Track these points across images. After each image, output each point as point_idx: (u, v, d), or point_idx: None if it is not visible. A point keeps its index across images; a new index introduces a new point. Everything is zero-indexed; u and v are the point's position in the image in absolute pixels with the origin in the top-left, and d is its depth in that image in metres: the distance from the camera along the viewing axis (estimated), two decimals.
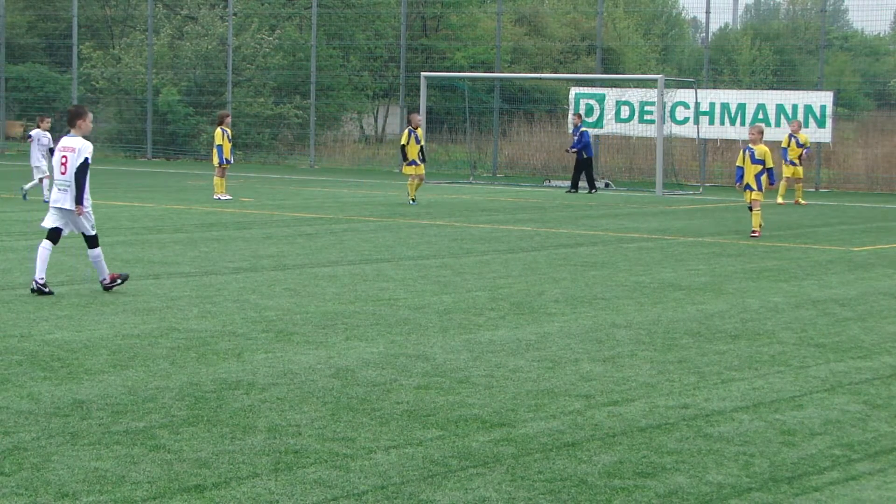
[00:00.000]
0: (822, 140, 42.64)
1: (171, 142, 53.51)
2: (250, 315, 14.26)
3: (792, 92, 43.82)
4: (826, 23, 48.64)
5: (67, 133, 15.88)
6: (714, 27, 55.63)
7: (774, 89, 47.41)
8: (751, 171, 24.99)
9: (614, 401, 10.44)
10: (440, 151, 49.47)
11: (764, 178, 24.99)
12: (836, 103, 43.70)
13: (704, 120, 43.51)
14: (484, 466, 8.47)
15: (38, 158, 30.67)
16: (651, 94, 43.57)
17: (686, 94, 43.95)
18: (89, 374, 10.95)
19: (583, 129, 40.60)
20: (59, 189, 15.76)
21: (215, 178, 32.63)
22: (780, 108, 42.69)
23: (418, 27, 57.70)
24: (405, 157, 32.71)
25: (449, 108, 53.26)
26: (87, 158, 15.57)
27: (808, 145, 36.17)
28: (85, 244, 15.92)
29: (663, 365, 11.99)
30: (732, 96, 44.25)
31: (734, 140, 43.93)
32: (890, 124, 48.27)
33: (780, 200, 35.45)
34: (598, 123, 45.35)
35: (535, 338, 13.25)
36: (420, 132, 33.01)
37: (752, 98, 43.86)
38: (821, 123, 41.85)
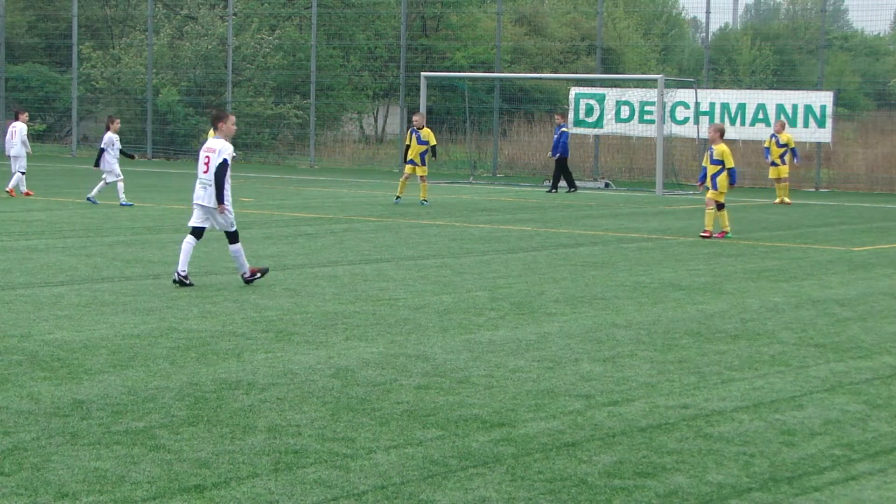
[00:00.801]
0: (822, 140, 42.65)
1: (170, 142, 53.51)
2: (250, 315, 14.26)
3: (792, 92, 43.81)
4: (826, 23, 48.66)
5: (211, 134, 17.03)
6: (714, 27, 55.73)
7: (774, 89, 47.42)
8: (710, 170, 24.85)
9: (614, 401, 10.44)
10: (440, 151, 49.45)
11: (722, 177, 24.75)
12: (836, 103, 43.70)
13: (704, 120, 43.47)
14: (484, 466, 8.47)
15: (110, 162, 29.90)
16: (651, 94, 43.57)
17: (686, 94, 43.94)
18: (89, 374, 10.95)
19: (563, 129, 40.53)
20: (201, 186, 16.88)
21: None
22: (780, 108, 42.68)
23: (418, 27, 57.70)
24: (405, 157, 32.51)
25: (449, 108, 53.26)
26: (225, 160, 16.63)
27: (793, 146, 36.02)
28: (219, 239, 16.00)
29: (663, 365, 11.99)
30: (732, 96, 44.24)
31: (734, 140, 43.92)
32: (890, 124, 48.28)
33: (787, 200, 35.49)
34: (598, 123, 45.34)
35: (535, 338, 13.25)
36: (427, 132, 32.20)
37: (752, 98, 43.86)
38: (821, 123, 41.85)
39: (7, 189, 31.77)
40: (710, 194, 24.93)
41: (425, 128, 32.49)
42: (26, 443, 8.76)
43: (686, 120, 43.92)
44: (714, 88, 46.03)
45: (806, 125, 42.29)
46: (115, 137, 30.36)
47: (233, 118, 17.08)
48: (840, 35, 76.16)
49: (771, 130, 38.21)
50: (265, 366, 11.48)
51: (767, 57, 63.73)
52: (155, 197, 32.61)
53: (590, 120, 45.30)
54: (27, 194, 32.03)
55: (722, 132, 25.01)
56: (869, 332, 14.20)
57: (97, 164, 30.19)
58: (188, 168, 47.47)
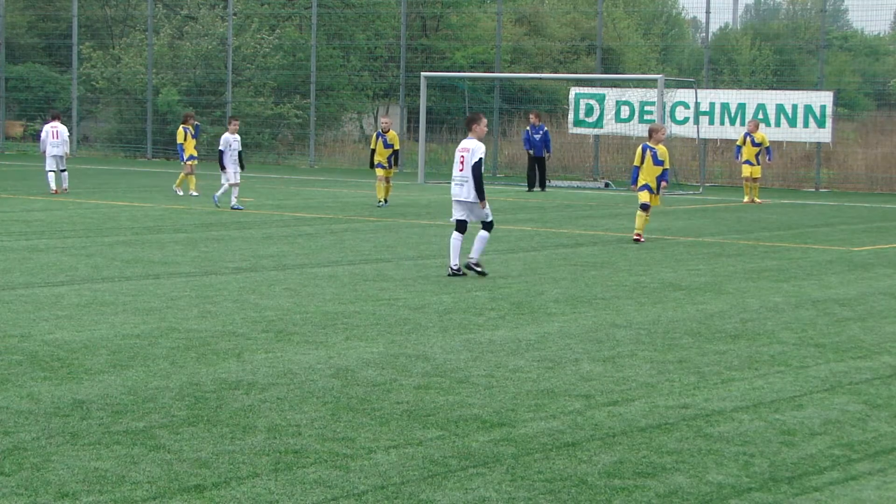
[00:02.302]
0: (822, 140, 42.65)
1: (171, 142, 53.31)
2: (250, 315, 14.26)
3: (792, 92, 43.80)
4: (826, 23, 48.65)
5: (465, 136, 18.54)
6: (714, 27, 55.71)
7: (774, 89, 47.39)
8: (652, 172, 23.81)
9: (614, 401, 10.44)
10: (440, 151, 49.45)
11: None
12: (836, 103, 43.69)
13: (704, 120, 43.51)
14: (484, 466, 8.47)
15: (230, 163, 29.46)
16: (651, 94, 43.56)
17: (686, 94, 43.94)
18: (89, 374, 10.95)
19: (545, 129, 40.76)
20: (457, 183, 18.30)
21: (184, 174, 34.33)
22: (779, 108, 42.69)
23: (418, 27, 57.69)
24: (372, 161, 31.57)
25: (449, 108, 53.26)
26: (480, 158, 18.00)
27: (767, 144, 35.99)
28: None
29: (663, 365, 11.99)
30: (732, 96, 44.24)
31: (734, 140, 43.93)
32: (890, 124, 48.26)
33: (757, 200, 35.41)
34: (598, 123, 45.35)
35: (534, 338, 13.26)
36: (392, 136, 31.57)
37: (752, 98, 43.86)
38: (821, 123, 41.86)
39: (64, 188, 33.75)
40: (653, 197, 23.94)
41: (391, 131, 31.85)
42: (26, 443, 8.76)
43: (686, 120, 43.92)
44: (714, 88, 46.02)
45: (806, 125, 42.29)
46: (233, 138, 29.72)
47: (485, 120, 18.48)
48: (840, 35, 76.13)
49: (771, 130, 38.22)
50: (265, 366, 11.48)
51: (767, 57, 63.69)
52: (155, 197, 32.60)
53: (590, 120, 45.31)
54: (57, 192, 33.40)
55: (664, 133, 24.66)
56: (869, 332, 14.20)
57: (223, 167, 29.47)
58: None
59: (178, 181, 34.53)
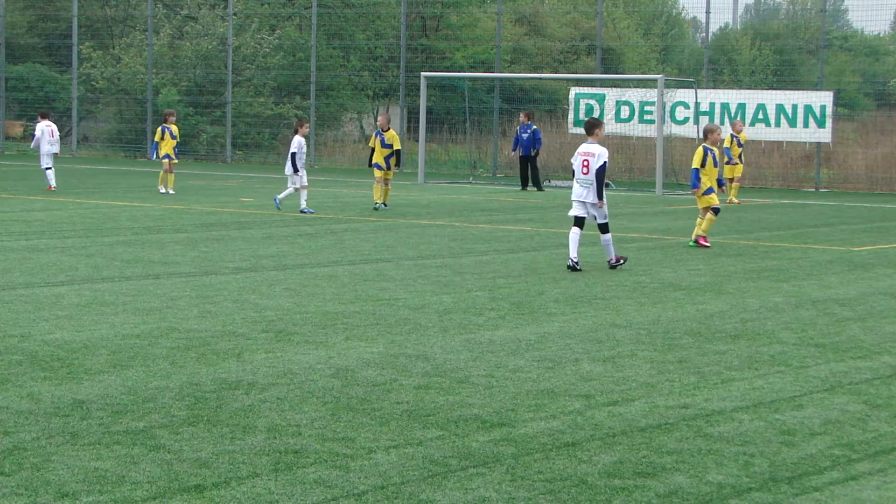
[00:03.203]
0: (822, 140, 42.65)
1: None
2: (250, 315, 14.26)
3: (792, 92, 43.81)
4: (826, 23, 48.65)
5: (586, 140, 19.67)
6: (714, 27, 55.70)
7: (774, 89, 47.40)
8: (713, 173, 23.35)
9: (614, 401, 10.44)
10: (440, 151, 49.47)
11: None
12: (836, 103, 43.70)
13: (704, 120, 43.46)
14: (484, 466, 8.47)
15: (300, 166, 29.06)
16: (651, 94, 43.57)
17: (686, 94, 43.95)
18: (89, 374, 10.95)
19: (535, 126, 40.74)
20: (582, 185, 19.28)
21: (164, 171, 34.88)
22: (779, 108, 42.70)
23: (418, 27, 57.70)
24: (370, 161, 30.44)
25: (449, 108, 53.27)
26: (605, 162, 19.17)
27: (744, 141, 36.05)
28: None
29: (663, 365, 11.99)
30: (732, 96, 44.25)
31: (745, 141, 43.92)
32: (890, 124, 48.26)
33: (736, 201, 35.25)
34: None
35: (535, 338, 13.26)
36: (391, 135, 30.30)
37: (752, 98, 43.87)
38: (821, 123, 41.87)
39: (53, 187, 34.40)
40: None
41: (390, 130, 30.53)
42: (26, 443, 8.76)
43: (686, 120, 43.93)
44: (714, 88, 46.04)
45: (806, 125, 42.30)
46: (303, 141, 29.36)
47: (604, 125, 19.68)
48: (840, 35, 76.16)
49: (770, 130, 38.23)
50: (265, 366, 11.48)
51: (767, 57, 63.69)
52: (155, 197, 32.61)
53: None
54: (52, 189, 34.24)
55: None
56: (869, 332, 14.20)
57: (296, 170, 29.08)
58: (188, 168, 47.48)
59: (160, 179, 34.93)
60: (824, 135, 42.28)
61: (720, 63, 59.68)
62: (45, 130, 35.30)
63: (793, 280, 18.59)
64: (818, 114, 42.12)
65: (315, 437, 9.07)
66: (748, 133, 41.66)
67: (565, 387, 10.91)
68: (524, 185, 40.15)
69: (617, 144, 48.07)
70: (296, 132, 29.59)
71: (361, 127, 59.79)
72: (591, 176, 19.17)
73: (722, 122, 43.52)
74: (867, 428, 9.78)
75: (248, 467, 8.31)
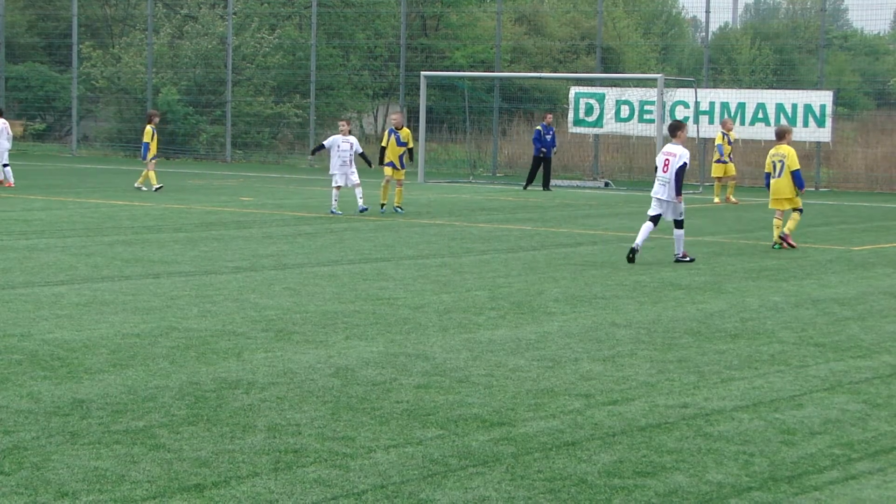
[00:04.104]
0: (821, 139, 42.64)
1: (170, 141, 53.45)
2: (250, 314, 14.26)
3: (792, 91, 43.81)
4: (826, 22, 48.66)
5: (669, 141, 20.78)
6: (714, 26, 55.67)
7: (774, 89, 47.40)
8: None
9: (614, 400, 10.45)
10: (439, 151, 49.47)
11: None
12: (835, 103, 43.70)
13: (704, 119, 43.51)
14: (484, 466, 8.47)
15: (336, 165, 28.59)
16: (651, 94, 43.57)
17: (686, 94, 43.94)
18: (89, 374, 10.95)
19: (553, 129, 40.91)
20: (661, 183, 20.45)
21: (149, 171, 34.93)
22: (779, 108, 42.69)
23: (418, 26, 57.70)
24: (381, 159, 29.56)
25: (449, 107, 53.26)
26: (685, 163, 20.21)
27: (733, 140, 36.09)
28: None
29: (663, 364, 12.00)
30: (732, 96, 44.24)
31: (734, 140, 43.90)
32: (890, 123, 48.27)
33: (733, 200, 35.23)
34: (598, 123, 45.36)
35: (534, 337, 13.26)
36: (406, 133, 29.53)
37: (751, 97, 43.86)
38: (820, 123, 41.86)
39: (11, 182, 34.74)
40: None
41: (405, 128, 29.72)
42: (26, 442, 8.76)
43: (686, 119, 43.88)
44: (714, 88, 46.03)
45: (806, 125, 42.29)
46: (342, 139, 28.84)
47: (687, 128, 20.94)
48: (840, 34, 76.18)
49: (770, 130, 38.12)
50: (265, 365, 11.48)
51: (767, 56, 63.70)
52: (155, 196, 32.61)
53: (590, 119, 45.31)
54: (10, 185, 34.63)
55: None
56: (868, 331, 14.20)
57: (369, 164, 28.85)
58: (188, 167, 47.50)
59: (142, 178, 35.11)
60: (824, 134, 42.27)
61: (720, 62, 59.69)
62: (3, 128, 35.72)
63: (792, 279, 18.59)
64: (818, 113, 42.11)
65: (315, 437, 9.07)
66: (738, 132, 41.62)
67: (565, 386, 10.92)
68: (529, 183, 40.09)
69: (616, 144, 48.12)
70: (346, 132, 29.07)
71: (361, 126, 59.77)
72: (670, 175, 20.22)
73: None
74: (867, 427, 9.79)
75: (248, 466, 8.32)
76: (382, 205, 29.35)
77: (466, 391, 10.62)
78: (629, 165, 47.34)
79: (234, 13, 54.03)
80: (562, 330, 13.74)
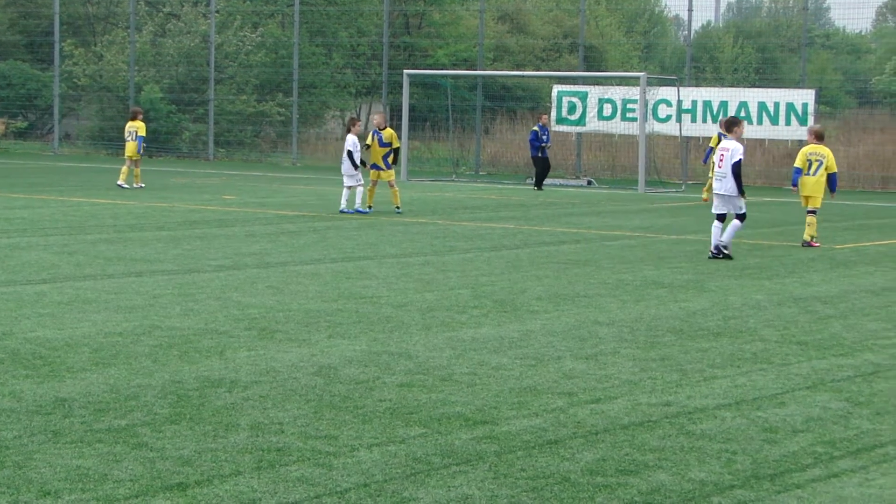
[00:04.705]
0: (803, 138, 42.68)
1: (153, 139, 53.26)
2: (233, 313, 14.24)
3: (774, 90, 43.89)
4: (808, 21, 48.75)
5: (724, 137, 21.73)
6: (696, 25, 55.58)
7: (756, 87, 47.50)
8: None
9: (597, 398, 10.46)
10: (423, 149, 49.44)
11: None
12: (817, 101, 43.77)
13: (687, 118, 43.57)
14: (467, 464, 8.47)
15: (349, 166, 28.54)
16: (633, 92, 43.60)
17: (668, 92, 43.98)
18: (71, 372, 10.93)
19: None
20: (717, 178, 21.15)
21: (138, 168, 35.34)
22: (762, 106, 42.77)
23: (401, 25, 57.67)
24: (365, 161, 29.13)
25: (431, 105, 53.24)
26: (740, 158, 20.76)
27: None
28: None
29: (646, 362, 12.01)
30: (714, 94, 44.30)
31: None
32: (871, 122, 48.41)
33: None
34: (581, 121, 45.38)
35: (517, 335, 13.26)
36: (389, 133, 29.07)
37: (734, 96, 43.93)
38: (802, 121, 41.93)
39: None
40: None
41: (388, 128, 29.26)
42: (8, 441, 8.74)
43: (668, 118, 43.97)
44: (696, 86, 46.08)
45: (788, 123, 42.37)
46: (356, 139, 28.78)
47: (744, 125, 22.08)
48: (822, 33, 76.32)
49: (753, 128, 38.24)
50: (248, 364, 11.47)
51: (749, 55, 63.84)
52: (138, 194, 32.55)
53: (572, 118, 45.33)
54: None
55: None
56: (850, 329, 14.24)
57: (355, 167, 28.55)
58: (171, 166, 47.40)
59: (136, 176, 35.18)
60: (806, 133, 42.33)
61: (702, 61, 59.79)
62: None
63: (775, 278, 18.63)
64: (800, 112, 42.20)
65: (298, 435, 9.06)
66: (718, 131, 41.57)
67: (548, 384, 10.92)
68: (540, 183, 40.02)
69: (599, 142, 48.14)
70: (348, 130, 29.24)
71: (344, 124, 59.74)
72: (726, 169, 20.81)
73: (704, 120, 43.62)
74: (849, 425, 9.81)
75: (231, 465, 8.31)
76: (369, 206, 29.00)
77: (449, 390, 10.62)
78: (612, 164, 47.37)
79: (217, 11, 53.93)
80: (545, 328, 13.75)
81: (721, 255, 20.73)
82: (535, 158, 40.17)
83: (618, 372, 11.54)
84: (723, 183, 21.02)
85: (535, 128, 40.44)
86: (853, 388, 11.13)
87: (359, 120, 30.26)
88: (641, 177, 39.73)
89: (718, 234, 20.86)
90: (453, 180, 43.44)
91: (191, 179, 39.94)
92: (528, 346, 12.66)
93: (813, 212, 23.39)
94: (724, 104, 43.32)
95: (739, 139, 21.32)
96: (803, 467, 8.63)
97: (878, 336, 13.87)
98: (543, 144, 39.87)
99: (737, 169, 20.74)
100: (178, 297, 15.28)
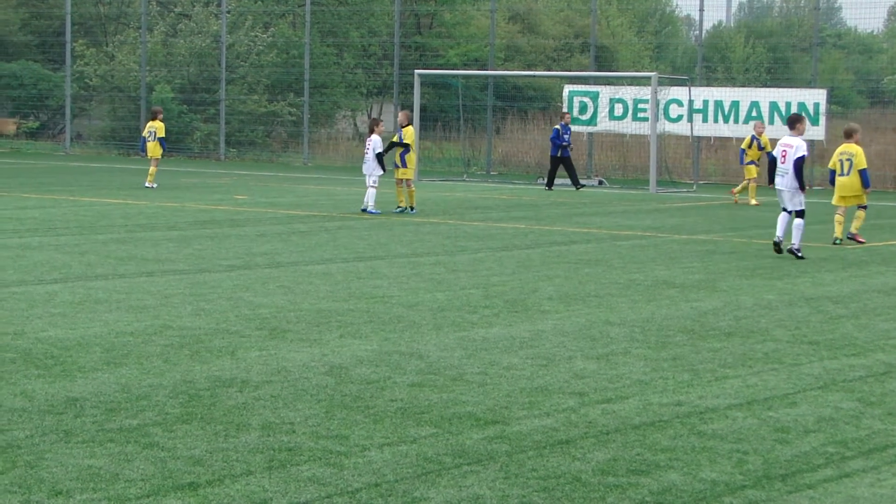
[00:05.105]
0: (815, 138, 42.62)
1: (164, 138, 53.39)
2: (244, 313, 14.25)
3: (785, 90, 43.80)
4: (819, 20, 48.67)
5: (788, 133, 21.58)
6: (708, 25, 55.46)
7: (768, 87, 47.40)
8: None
9: (608, 398, 10.45)
10: (434, 149, 49.46)
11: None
12: (829, 101, 43.71)
13: (698, 118, 43.53)
14: (478, 464, 8.47)
15: (371, 166, 28.27)
16: (645, 92, 43.56)
17: (680, 92, 43.94)
18: (83, 372, 10.94)
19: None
20: (779, 174, 21.33)
21: (155, 167, 35.82)
22: (773, 106, 42.71)
23: (412, 24, 57.68)
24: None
25: (442, 105, 53.24)
26: (803, 154, 20.93)
27: (770, 150, 35.58)
28: None
29: (657, 362, 12.00)
30: (726, 94, 44.25)
31: (728, 138, 43.94)
32: (883, 122, 48.29)
33: (754, 202, 34.96)
34: (592, 121, 45.36)
35: (528, 335, 13.26)
36: (407, 131, 29.20)
37: (745, 96, 43.87)
38: (814, 121, 41.87)
39: None
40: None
41: (408, 126, 29.42)
42: (20, 440, 8.75)
43: (680, 118, 43.92)
44: (708, 86, 46.02)
45: None
46: (380, 140, 28.65)
47: (805, 121, 22.09)
48: (833, 33, 76.19)
49: (766, 128, 38.12)
50: (259, 363, 11.47)
51: (761, 54, 63.72)
52: (149, 194, 32.59)
53: (584, 118, 45.29)
54: None
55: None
56: (862, 329, 14.21)
57: (384, 169, 28.45)
58: (182, 166, 47.43)
59: (150, 175, 35.37)
60: (818, 132, 42.27)
61: (714, 61, 59.70)
62: None
63: (786, 278, 18.60)
64: (812, 111, 42.12)
65: (309, 435, 9.06)
66: (731, 132, 41.63)
67: (559, 384, 10.92)
68: (551, 183, 39.87)
69: (610, 142, 48.09)
70: (371, 131, 28.85)
71: (355, 125, 59.78)
72: (788, 165, 20.98)
73: (715, 120, 43.55)
74: (861, 425, 9.79)
75: (242, 465, 8.31)
76: (399, 207, 29.04)
77: (460, 389, 10.62)
78: (623, 164, 47.33)
79: (228, 11, 53.98)
80: (556, 328, 13.74)
81: (780, 248, 21.12)
82: (552, 158, 40.06)
83: (629, 372, 11.53)
84: (785, 179, 21.18)
85: (558, 126, 40.32)
86: (865, 388, 11.11)
87: (381, 121, 30.04)
88: (653, 177, 39.69)
89: (784, 224, 21.24)
90: (464, 180, 43.43)
91: (202, 179, 39.98)
92: (539, 346, 12.65)
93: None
94: (735, 104, 43.28)
95: (802, 135, 21.35)
96: (815, 467, 8.61)
97: (890, 336, 13.85)
98: (564, 144, 39.77)
99: (799, 164, 20.87)
100: (189, 297, 15.30)
